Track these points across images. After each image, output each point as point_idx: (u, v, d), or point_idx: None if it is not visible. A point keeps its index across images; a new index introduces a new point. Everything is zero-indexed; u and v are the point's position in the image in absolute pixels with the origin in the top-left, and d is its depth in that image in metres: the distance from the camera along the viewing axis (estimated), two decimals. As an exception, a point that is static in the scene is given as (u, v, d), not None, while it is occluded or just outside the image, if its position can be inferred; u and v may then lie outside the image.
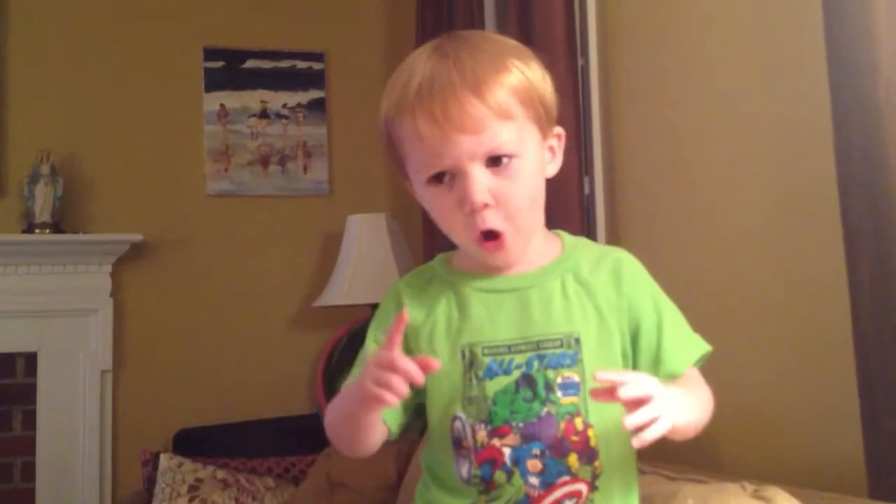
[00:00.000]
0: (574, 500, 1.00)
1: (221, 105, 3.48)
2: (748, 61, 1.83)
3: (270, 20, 3.56)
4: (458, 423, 1.03)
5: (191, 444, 3.03)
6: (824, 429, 1.61)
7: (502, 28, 2.64)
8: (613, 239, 2.24)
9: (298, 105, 3.58)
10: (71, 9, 3.32)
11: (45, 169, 3.11)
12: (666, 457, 1.73)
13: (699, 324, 2.00)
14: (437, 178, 1.01)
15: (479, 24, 2.81)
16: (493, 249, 1.02)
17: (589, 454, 1.01)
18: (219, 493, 2.63)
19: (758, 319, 1.80)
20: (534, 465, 1.00)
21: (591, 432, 1.01)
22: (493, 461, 1.01)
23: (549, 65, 2.46)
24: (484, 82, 0.99)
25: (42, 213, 3.10)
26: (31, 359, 3.16)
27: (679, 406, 0.95)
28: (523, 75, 1.02)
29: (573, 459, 1.00)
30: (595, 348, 1.04)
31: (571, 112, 2.28)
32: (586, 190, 2.30)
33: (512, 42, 1.08)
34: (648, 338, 1.06)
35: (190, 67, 3.45)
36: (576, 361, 1.02)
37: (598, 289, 1.06)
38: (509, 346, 1.03)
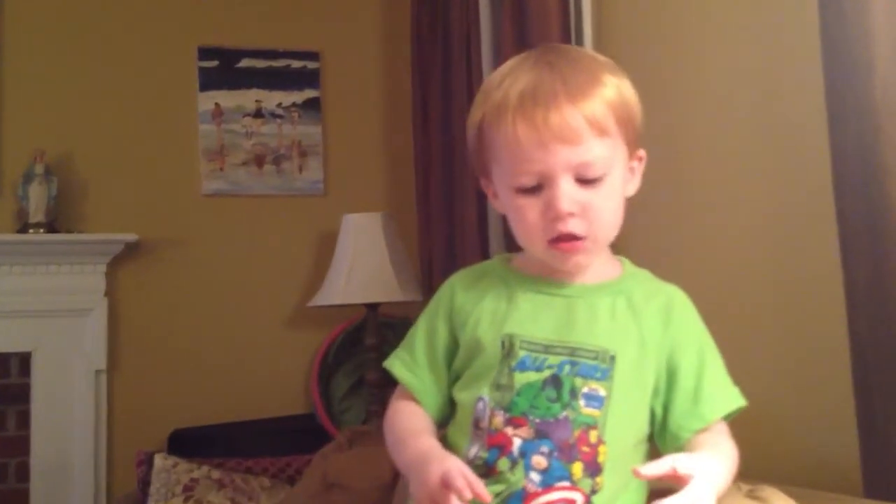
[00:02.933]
0: None
1: (216, 104, 3.47)
2: (744, 61, 1.83)
3: (265, 19, 3.55)
4: (480, 405, 1.06)
5: (186, 444, 3.02)
6: (820, 428, 1.61)
7: (498, 27, 2.64)
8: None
9: (293, 104, 3.57)
10: (65, 8, 3.31)
11: (40, 168, 3.10)
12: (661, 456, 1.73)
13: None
14: (527, 189, 1.04)
15: (473, 23, 2.80)
16: (569, 250, 1.05)
17: (594, 468, 1.02)
18: (214, 494, 2.62)
19: (753, 319, 1.80)
20: (539, 461, 1.01)
21: (602, 448, 1.02)
22: (502, 448, 1.03)
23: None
24: (586, 96, 1.02)
25: (36, 213, 3.09)
26: (25, 359, 3.15)
27: (717, 482, 0.96)
28: (620, 93, 1.06)
29: (578, 468, 1.01)
30: (629, 371, 1.05)
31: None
32: (582, 190, 2.30)
33: (606, 58, 1.12)
34: (687, 380, 1.07)
35: (184, 67, 3.44)
36: (606, 377, 1.04)
37: (647, 318, 1.09)
38: (546, 346, 1.05)
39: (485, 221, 2.71)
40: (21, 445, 3.10)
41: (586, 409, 1.03)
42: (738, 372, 1.82)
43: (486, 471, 1.03)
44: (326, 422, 3.24)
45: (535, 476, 1.01)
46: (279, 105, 3.56)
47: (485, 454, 1.03)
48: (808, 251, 1.64)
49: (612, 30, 2.25)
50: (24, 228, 3.11)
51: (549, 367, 1.04)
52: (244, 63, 3.53)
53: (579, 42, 2.33)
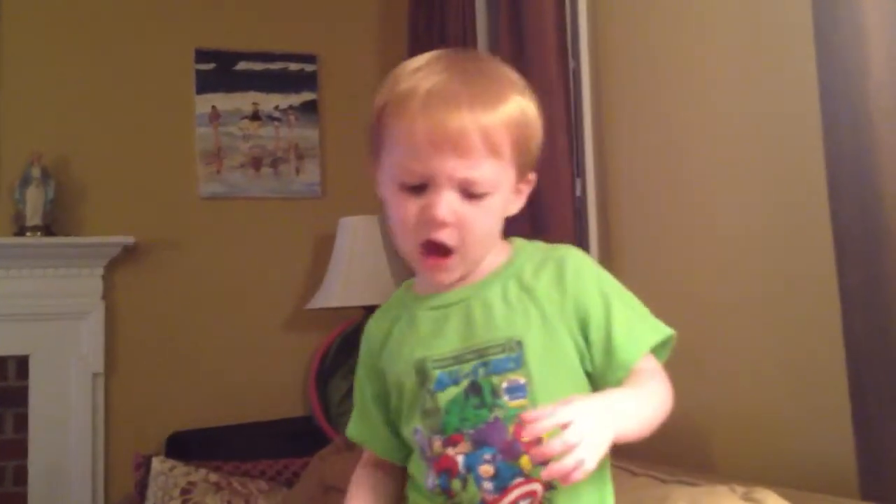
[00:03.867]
0: (530, 500, 1.01)
1: (213, 107, 3.47)
2: (739, 64, 1.84)
3: (262, 22, 3.55)
4: (418, 436, 1.08)
5: (183, 447, 3.02)
6: (816, 431, 1.61)
7: (494, 32, 2.65)
8: (605, 242, 2.24)
9: (290, 107, 3.57)
10: (62, 11, 3.31)
11: (37, 171, 3.10)
12: (657, 458, 1.74)
13: (690, 327, 2.00)
14: (411, 186, 1.03)
15: (470, 27, 2.81)
16: (435, 267, 1.05)
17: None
18: (211, 497, 2.62)
19: (748, 322, 1.80)
20: (486, 470, 1.02)
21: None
22: (449, 470, 1.04)
23: (541, 68, 2.48)
24: (488, 112, 1.01)
25: (33, 216, 3.09)
26: (22, 362, 3.15)
27: (612, 417, 0.94)
28: (523, 114, 1.05)
29: (525, 461, 1.01)
30: (540, 350, 1.04)
31: (563, 115, 2.28)
32: (578, 192, 2.30)
33: (518, 77, 1.10)
34: (598, 332, 1.06)
35: (181, 69, 3.45)
36: (520, 364, 1.03)
37: (541, 291, 1.07)
38: (456, 357, 1.06)
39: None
40: (18, 449, 3.10)
41: (513, 402, 1.02)
42: (734, 374, 1.83)
43: (447, 495, 1.04)
44: (324, 424, 3.24)
45: (487, 485, 1.01)
46: (276, 108, 3.56)
47: (437, 481, 1.05)
48: (803, 253, 1.65)
49: (607, 33, 2.26)
50: (21, 232, 3.10)
51: (465, 375, 1.04)
52: (241, 66, 3.53)
53: (575, 47, 2.33)
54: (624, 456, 1.97)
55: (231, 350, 3.37)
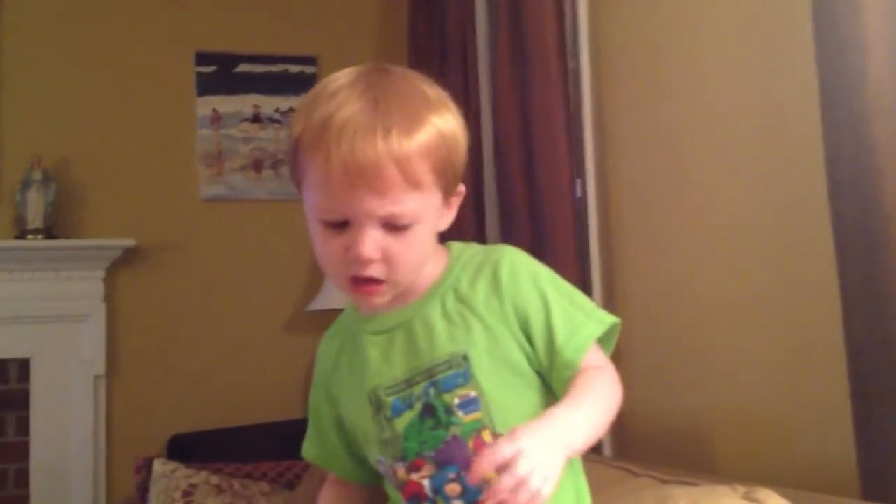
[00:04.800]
0: None
1: (214, 109, 3.48)
2: (739, 64, 1.84)
3: (262, 24, 3.56)
4: (381, 466, 1.07)
5: (185, 449, 3.02)
6: (816, 430, 1.61)
7: (494, 33, 2.65)
8: (606, 243, 2.24)
9: (291, 109, 3.57)
10: (63, 14, 3.31)
11: (38, 174, 3.11)
12: (658, 458, 1.74)
13: (690, 326, 2.01)
14: (329, 223, 1.00)
15: (470, 29, 2.81)
16: (368, 293, 1.02)
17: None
18: (213, 499, 2.62)
19: (749, 321, 1.80)
20: (452, 488, 1.01)
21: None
22: (417, 495, 1.03)
23: (541, 67, 2.48)
24: (403, 145, 0.97)
25: (34, 219, 3.10)
26: (24, 365, 3.15)
27: (559, 436, 0.91)
28: (442, 137, 1.01)
29: (491, 472, 0.99)
30: (487, 360, 1.03)
31: (563, 115, 2.29)
32: (578, 193, 2.30)
33: (436, 92, 1.06)
34: (539, 333, 1.04)
35: (182, 72, 3.45)
36: (468, 378, 1.02)
37: (479, 301, 1.06)
38: (406, 381, 1.05)
39: (482, 223, 2.71)
40: (20, 451, 3.10)
41: (468, 417, 1.02)
42: (735, 374, 1.83)
43: None
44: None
45: (457, 503, 1.01)
46: (277, 110, 3.56)
47: None
48: (804, 253, 1.64)
49: (607, 34, 2.26)
50: (22, 234, 3.11)
51: (418, 398, 1.04)
52: (242, 68, 3.53)
53: (575, 46, 2.33)
54: (624, 457, 1.97)
55: (232, 352, 3.37)
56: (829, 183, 1.43)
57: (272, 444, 3.08)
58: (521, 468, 0.85)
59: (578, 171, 2.31)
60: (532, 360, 1.05)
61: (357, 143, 0.95)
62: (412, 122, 0.99)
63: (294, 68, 3.59)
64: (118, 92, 3.34)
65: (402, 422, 1.04)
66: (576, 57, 2.34)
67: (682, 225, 2.00)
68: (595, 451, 2.11)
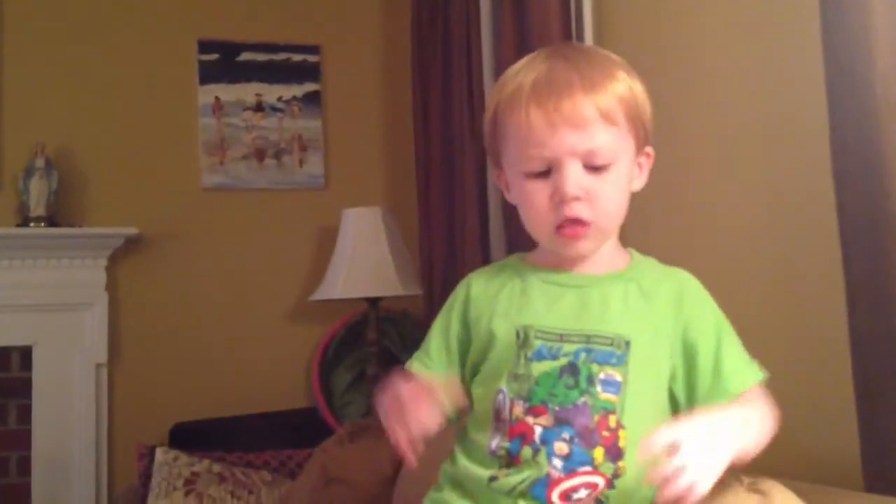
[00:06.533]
0: (589, 491, 1.03)
1: (216, 98, 3.47)
2: (745, 57, 1.83)
3: (265, 13, 3.55)
4: (500, 397, 1.08)
5: (187, 437, 3.03)
6: (820, 423, 1.61)
7: (498, 24, 2.64)
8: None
9: (294, 98, 3.57)
10: (65, 1, 3.30)
11: (40, 162, 3.11)
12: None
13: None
14: (537, 174, 1.07)
15: (474, 19, 2.80)
16: (572, 236, 1.08)
17: (615, 452, 1.04)
18: (215, 487, 2.63)
19: (753, 314, 1.79)
20: (561, 447, 1.03)
21: (622, 433, 1.04)
22: (524, 436, 1.05)
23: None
24: (598, 87, 1.06)
25: (37, 207, 3.10)
26: (26, 353, 3.15)
27: (722, 435, 0.95)
28: (631, 90, 1.10)
29: (599, 453, 1.03)
30: (644, 356, 1.07)
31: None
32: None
33: (621, 59, 1.15)
34: (706, 359, 1.09)
35: (184, 60, 3.44)
36: (622, 362, 1.06)
37: (658, 303, 1.11)
38: (561, 335, 1.07)
39: (485, 216, 2.71)
40: (22, 439, 3.11)
41: (604, 395, 1.05)
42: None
43: (510, 460, 1.05)
44: (327, 416, 3.25)
45: (557, 462, 1.03)
46: (279, 99, 3.56)
47: (507, 444, 1.05)
48: (809, 246, 1.64)
49: (612, 30, 2.25)
50: (24, 222, 3.11)
51: (565, 354, 1.06)
52: (244, 56, 3.52)
53: (580, 40, 2.32)
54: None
55: (234, 341, 3.37)
56: (835, 175, 1.42)
57: (274, 433, 3.09)
58: (680, 460, 0.89)
59: (582, 162, 2.30)
60: (674, 381, 1.09)
61: (553, 89, 1.05)
62: (604, 71, 1.09)
63: (297, 57, 3.58)
64: (120, 80, 3.34)
65: (540, 367, 1.06)
66: (580, 48, 2.33)
67: (685, 218, 2.00)
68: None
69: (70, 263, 3.19)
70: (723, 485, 1.22)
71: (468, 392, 1.15)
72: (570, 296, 1.11)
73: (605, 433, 1.04)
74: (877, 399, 1.35)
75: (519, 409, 1.06)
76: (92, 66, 3.31)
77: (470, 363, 1.16)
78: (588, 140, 1.05)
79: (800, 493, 1.20)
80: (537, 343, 1.08)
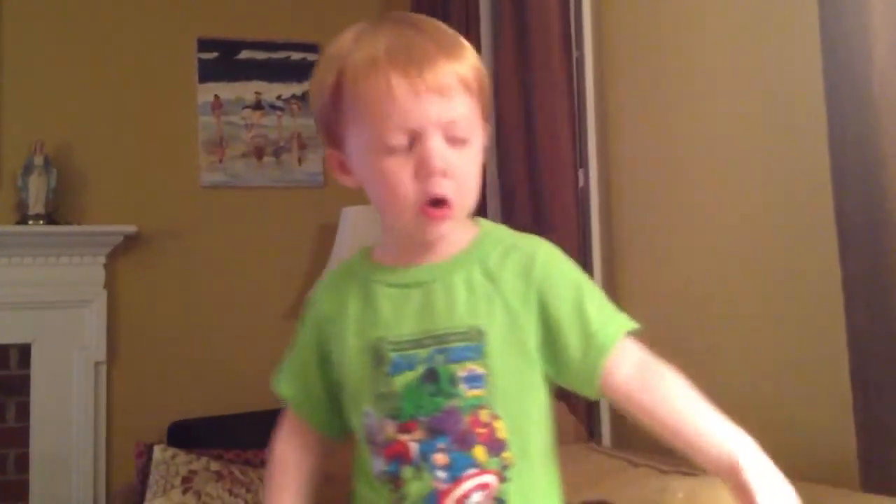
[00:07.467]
0: (483, 493, 0.99)
1: (216, 96, 3.47)
2: (743, 53, 1.83)
3: (265, 11, 3.54)
4: (367, 420, 1.04)
5: (185, 435, 3.03)
6: (817, 422, 1.61)
7: (497, 20, 2.64)
8: (607, 232, 2.24)
9: (293, 96, 3.57)
10: (65, 0, 3.31)
11: (39, 160, 3.10)
12: (658, 449, 1.73)
13: (691, 317, 2.01)
14: (395, 149, 1.00)
15: (473, 14, 2.80)
16: (438, 217, 1.01)
17: (497, 446, 1.00)
18: (213, 485, 2.63)
19: (751, 313, 1.80)
20: (440, 458, 0.99)
21: (497, 424, 1.00)
22: (402, 456, 1.01)
23: (544, 58, 2.47)
24: (456, 56, 1.01)
25: (36, 205, 3.10)
26: (24, 350, 3.15)
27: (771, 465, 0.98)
28: (478, 61, 1.05)
29: (479, 451, 0.99)
30: (502, 341, 1.02)
31: (566, 105, 2.28)
32: (580, 183, 2.29)
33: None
34: (570, 322, 1.03)
35: (184, 58, 3.44)
36: (480, 354, 1.01)
37: (505, 282, 1.05)
38: (413, 341, 1.02)
39: (484, 212, 2.70)
40: (20, 437, 3.11)
41: (470, 392, 1.00)
42: (736, 365, 1.83)
43: (394, 484, 1.01)
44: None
45: (441, 474, 0.99)
46: (279, 97, 3.56)
47: (386, 468, 1.01)
48: (807, 245, 1.64)
49: (611, 26, 2.25)
50: (23, 220, 3.11)
51: (421, 361, 1.01)
52: (244, 55, 3.52)
53: (579, 36, 2.32)
54: (624, 447, 1.97)
55: (233, 339, 3.37)
56: (833, 173, 1.42)
57: (272, 432, 3.08)
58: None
59: (581, 160, 2.30)
60: (541, 354, 1.04)
61: (414, 57, 0.99)
62: (455, 40, 1.04)
63: (296, 55, 3.58)
64: (120, 78, 3.33)
65: (401, 380, 1.01)
66: (580, 46, 2.33)
67: (683, 215, 2.00)
68: (595, 441, 2.12)
69: (69, 261, 3.19)
70: (717, 484, 1.21)
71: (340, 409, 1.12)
72: (414, 297, 1.05)
73: (481, 430, 0.99)
74: (874, 398, 1.35)
75: (390, 429, 1.01)
76: (91, 63, 3.31)
77: (335, 383, 1.10)
78: (451, 110, 0.99)
79: (797, 493, 1.19)
80: (392, 356, 1.02)
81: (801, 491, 1.23)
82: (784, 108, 1.72)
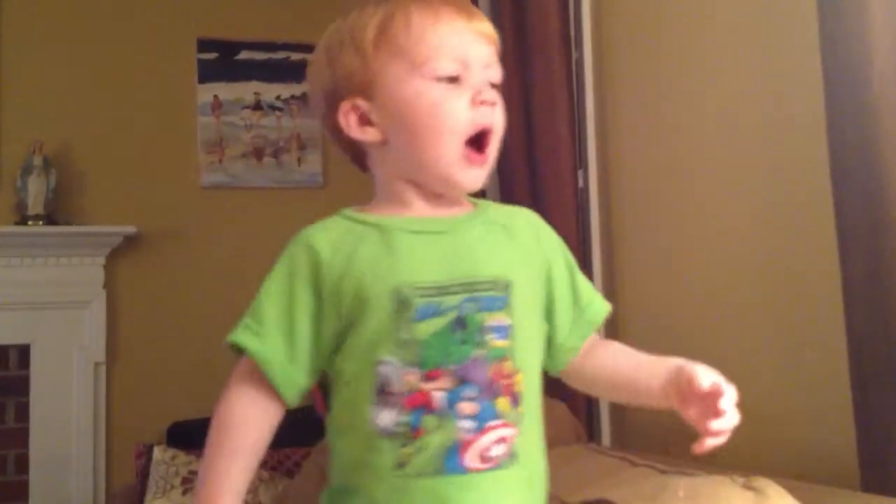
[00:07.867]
0: (503, 447, 0.98)
1: (215, 96, 3.47)
2: (743, 53, 1.83)
3: (264, 11, 3.55)
4: (384, 369, 0.98)
5: (185, 436, 3.03)
6: (817, 422, 1.61)
7: (497, 20, 2.64)
8: (607, 233, 2.24)
9: (292, 97, 3.57)
10: (64, 0, 3.30)
11: (38, 160, 3.11)
12: (657, 449, 1.74)
13: (691, 316, 2.01)
14: (443, 78, 1.01)
15: (473, 16, 2.80)
16: (479, 161, 1.02)
17: (516, 399, 0.99)
18: (212, 486, 2.63)
19: (751, 313, 1.80)
20: (467, 407, 0.97)
21: (518, 377, 1.00)
22: (424, 406, 0.97)
23: (544, 58, 2.47)
24: (483, 16, 1.07)
25: (35, 205, 3.10)
26: (24, 351, 3.16)
27: None
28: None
29: (503, 403, 0.98)
30: (524, 294, 1.03)
31: (566, 105, 2.28)
32: (580, 183, 2.29)
33: None
34: (564, 290, 1.08)
35: (183, 59, 3.44)
36: (506, 305, 1.00)
37: (521, 237, 1.07)
38: (441, 287, 0.99)
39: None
40: (20, 437, 3.11)
41: (496, 342, 0.99)
42: (736, 365, 1.83)
43: (413, 435, 0.96)
44: (324, 415, 3.24)
45: (467, 423, 0.96)
46: (278, 97, 3.56)
47: (405, 418, 0.96)
48: (807, 245, 1.64)
49: (610, 23, 2.25)
50: (22, 220, 3.11)
51: (451, 308, 0.98)
52: (243, 55, 3.53)
53: (578, 36, 2.32)
54: (623, 446, 1.98)
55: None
56: (833, 174, 1.42)
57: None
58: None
59: (580, 161, 2.30)
60: (544, 309, 1.08)
61: (461, 5, 1.05)
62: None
63: (295, 56, 3.58)
64: (119, 78, 3.34)
65: (428, 328, 0.97)
66: (579, 47, 2.33)
67: (683, 215, 2.00)
68: (594, 440, 2.12)
69: (68, 262, 3.20)
70: (716, 483, 1.22)
71: (310, 371, 1.06)
72: (438, 243, 1.02)
73: (504, 381, 0.98)
74: (874, 397, 1.35)
75: (413, 378, 0.96)
76: (91, 64, 3.31)
77: (331, 338, 1.02)
78: (493, 57, 1.04)
79: (795, 492, 1.20)
80: (418, 302, 0.97)
81: (801, 491, 1.23)
82: (784, 108, 1.72)
